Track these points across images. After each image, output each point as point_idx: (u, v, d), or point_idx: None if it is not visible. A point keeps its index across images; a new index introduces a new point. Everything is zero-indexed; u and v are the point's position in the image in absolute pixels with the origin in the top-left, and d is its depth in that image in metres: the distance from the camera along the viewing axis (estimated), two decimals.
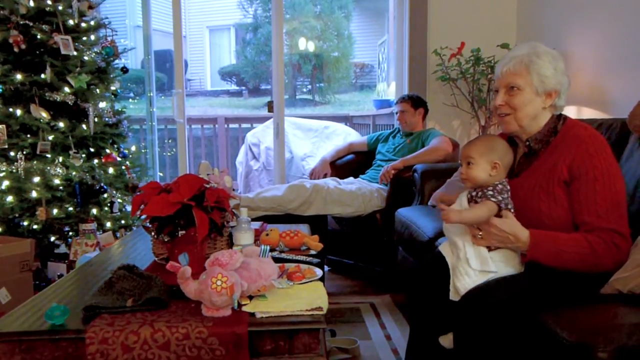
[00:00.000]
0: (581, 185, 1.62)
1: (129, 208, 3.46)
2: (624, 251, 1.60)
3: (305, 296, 1.54)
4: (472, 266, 1.64)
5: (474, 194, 1.71)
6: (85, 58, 3.32)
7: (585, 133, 1.69)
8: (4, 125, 3.07)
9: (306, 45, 13.57)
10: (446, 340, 1.72)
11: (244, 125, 6.52)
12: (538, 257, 1.60)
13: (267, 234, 2.12)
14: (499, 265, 1.65)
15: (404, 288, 3.16)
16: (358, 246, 3.58)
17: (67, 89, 3.19)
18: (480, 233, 1.66)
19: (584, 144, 1.65)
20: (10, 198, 3.03)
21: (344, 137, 5.11)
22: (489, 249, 1.67)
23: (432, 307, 1.80)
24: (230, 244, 1.95)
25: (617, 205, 1.61)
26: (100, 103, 3.41)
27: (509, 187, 1.69)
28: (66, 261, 3.07)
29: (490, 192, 1.66)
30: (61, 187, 3.13)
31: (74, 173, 3.14)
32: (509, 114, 1.75)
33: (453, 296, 1.67)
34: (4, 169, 3.06)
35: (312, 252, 2.09)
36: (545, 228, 1.64)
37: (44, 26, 3.17)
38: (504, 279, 1.62)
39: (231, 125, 6.72)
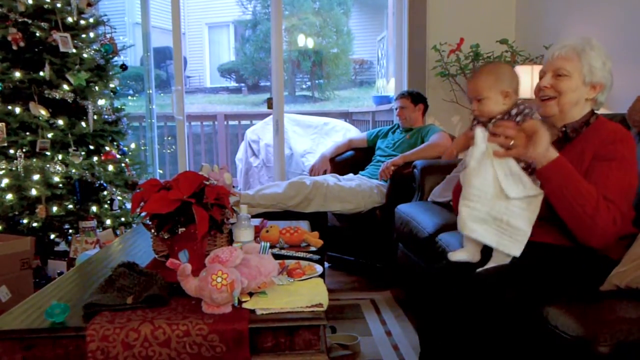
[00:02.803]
0: (597, 163, 1.66)
1: (128, 205, 3.46)
2: (618, 230, 1.61)
3: (305, 293, 1.54)
4: (512, 196, 1.61)
5: (491, 124, 1.69)
6: (84, 55, 3.32)
7: (615, 126, 1.75)
8: (3, 124, 3.07)
9: (305, 41, 13.57)
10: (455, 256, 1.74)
11: (243, 122, 6.51)
12: (548, 176, 1.60)
13: (267, 231, 2.12)
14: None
15: (405, 285, 3.17)
16: (358, 243, 3.58)
17: (66, 87, 3.18)
18: (512, 142, 1.63)
19: (611, 133, 1.70)
20: (10, 196, 3.03)
21: (344, 133, 5.11)
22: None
23: (445, 319, 1.77)
24: (230, 241, 1.95)
25: (627, 189, 1.64)
26: (100, 100, 3.41)
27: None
28: (66, 259, 3.07)
29: (527, 110, 1.65)
30: (61, 185, 3.13)
31: (73, 171, 3.14)
32: (552, 98, 1.77)
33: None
34: (3, 166, 3.06)
35: (312, 248, 2.09)
36: None
37: (42, 24, 3.16)
38: (505, 277, 1.62)
39: (230, 122, 6.72)
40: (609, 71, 1.76)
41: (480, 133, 1.69)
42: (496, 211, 1.64)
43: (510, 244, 1.64)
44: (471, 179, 1.67)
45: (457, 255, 1.77)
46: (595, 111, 1.81)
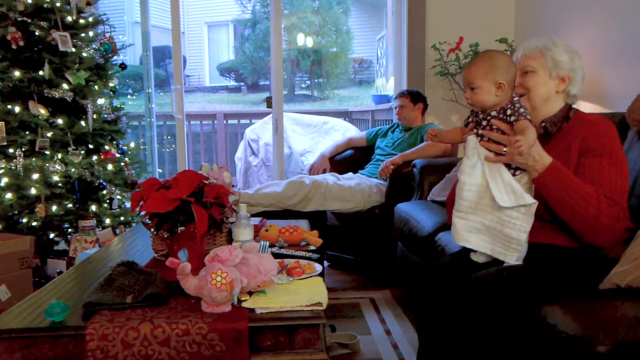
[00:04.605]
0: (587, 159, 1.66)
1: (128, 204, 3.46)
2: (622, 225, 1.61)
3: (304, 292, 1.54)
4: (504, 205, 1.60)
5: (483, 119, 1.69)
6: (84, 54, 3.32)
7: (596, 117, 1.77)
8: (2, 123, 3.07)
9: (305, 40, 13.57)
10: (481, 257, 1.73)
11: (242, 121, 6.51)
12: (546, 183, 1.60)
13: (266, 230, 2.12)
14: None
15: (404, 284, 3.17)
16: (357, 241, 3.58)
17: (65, 86, 3.18)
18: (505, 149, 1.63)
19: (594, 125, 1.71)
20: (9, 195, 3.03)
21: (343, 132, 5.11)
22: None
23: (443, 318, 1.78)
24: (230, 240, 1.95)
25: (622, 183, 1.64)
26: (99, 99, 3.41)
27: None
28: (66, 258, 3.07)
29: (522, 110, 1.64)
30: (60, 184, 3.13)
31: (72, 170, 3.14)
32: (522, 95, 1.79)
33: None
34: (2, 166, 3.06)
35: (312, 247, 2.10)
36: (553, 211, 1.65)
37: (42, 23, 3.16)
38: (503, 276, 1.62)
39: (230, 121, 6.72)
40: (577, 64, 1.79)
41: (471, 143, 1.69)
42: (489, 221, 1.65)
43: (505, 252, 1.64)
44: (463, 193, 1.68)
45: (477, 257, 1.76)
46: (572, 105, 1.83)
